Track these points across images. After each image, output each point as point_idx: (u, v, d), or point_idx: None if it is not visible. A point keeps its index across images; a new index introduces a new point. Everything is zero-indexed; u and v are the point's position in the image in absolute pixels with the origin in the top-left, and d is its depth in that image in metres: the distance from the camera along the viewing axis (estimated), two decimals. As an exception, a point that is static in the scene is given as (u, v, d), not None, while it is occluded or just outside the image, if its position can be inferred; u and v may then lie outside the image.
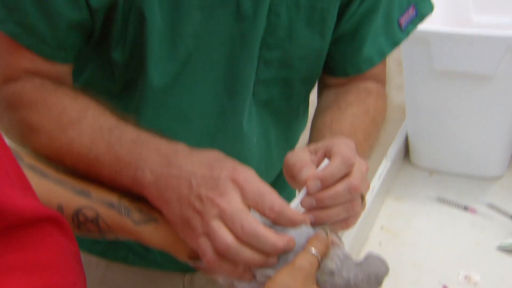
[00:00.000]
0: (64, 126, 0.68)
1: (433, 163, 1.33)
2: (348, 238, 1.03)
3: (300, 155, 0.69)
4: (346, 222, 0.68)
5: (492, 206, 1.19)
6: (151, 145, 0.67)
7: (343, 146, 0.67)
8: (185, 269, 0.93)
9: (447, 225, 1.15)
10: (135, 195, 0.68)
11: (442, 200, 1.21)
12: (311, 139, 0.83)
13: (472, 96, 1.24)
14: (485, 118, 1.26)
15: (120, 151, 0.66)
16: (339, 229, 0.68)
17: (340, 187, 0.65)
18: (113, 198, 0.67)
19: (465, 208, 1.19)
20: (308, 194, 0.65)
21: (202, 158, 0.65)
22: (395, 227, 1.14)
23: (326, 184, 0.64)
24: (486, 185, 1.27)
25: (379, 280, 0.59)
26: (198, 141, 0.78)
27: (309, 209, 0.65)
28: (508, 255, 1.06)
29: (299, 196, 0.66)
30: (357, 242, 1.06)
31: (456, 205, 1.20)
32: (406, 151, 1.37)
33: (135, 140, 0.67)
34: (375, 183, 1.18)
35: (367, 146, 0.83)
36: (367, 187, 0.70)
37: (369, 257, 0.61)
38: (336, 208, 0.65)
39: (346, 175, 0.65)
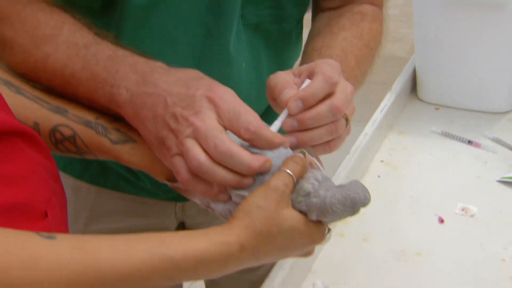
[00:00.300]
0: (39, 41, 0.67)
1: (440, 97, 1.29)
2: (346, 169, 1.02)
3: (283, 76, 0.67)
4: (329, 145, 0.66)
5: (497, 140, 1.16)
6: (128, 62, 0.65)
7: (325, 66, 0.65)
8: (177, 198, 0.93)
9: (449, 159, 1.13)
10: (114, 115, 0.67)
11: (447, 135, 1.19)
12: (301, 64, 0.81)
13: (483, 27, 1.20)
14: (495, 51, 1.21)
15: (96, 67, 0.65)
16: (321, 152, 0.67)
17: (322, 107, 0.63)
18: (90, 117, 0.66)
19: (469, 142, 1.16)
20: (289, 115, 0.63)
21: (179, 76, 0.63)
22: (396, 160, 1.13)
23: (307, 104, 0.62)
24: (493, 120, 1.24)
25: (355, 205, 0.57)
26: (183, 64, 0.77)
27: (291, 131, 0.64)
28: (508, 188, 1.04)
29: (280, 117, 0.64)
30: (355, 174, 1.05)
31: (460, 140, 1.17)
32: (413, 86, 1.34)
33: (112, 56, 0.66)
34: (377, 116, 1.16)
35: (359, 72, 0.80)
36: (352, 110, 0.69)
37: (352, 183, 0.59)
38: (318, 130, 0.63)
39: (328, 95, 0.64)
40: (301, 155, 0.60)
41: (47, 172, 0.61)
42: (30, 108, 0.65)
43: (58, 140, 0.66)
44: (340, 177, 0.99)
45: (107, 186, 0.94)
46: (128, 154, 0.66)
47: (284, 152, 0.61)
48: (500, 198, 1.02)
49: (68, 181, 0.95)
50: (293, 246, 0.58)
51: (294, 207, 0.58)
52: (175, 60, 0.76)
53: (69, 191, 0.96)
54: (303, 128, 0.63)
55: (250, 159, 0.58)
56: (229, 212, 0.61)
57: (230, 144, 0.58)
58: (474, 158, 1.13)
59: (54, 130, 0.65)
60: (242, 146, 0.60)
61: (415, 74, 1.32)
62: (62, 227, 0.62)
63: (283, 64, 0.90)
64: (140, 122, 0.63)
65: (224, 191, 0.61)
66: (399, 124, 1.24)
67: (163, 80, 0.62)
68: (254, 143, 0.60)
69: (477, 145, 1.15)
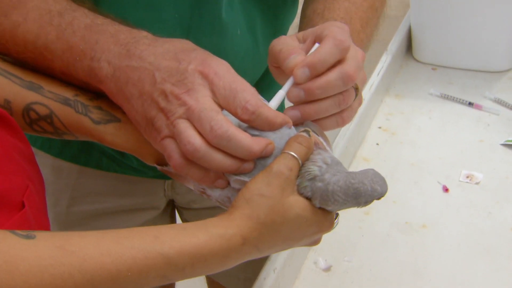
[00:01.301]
0: (5, 8, 0.59)
1: (437, 57, 1.23)
2: (343, 138, 0.96)
3: (288, 41, 0.59)
4: (342, 117, 0.59)
5: (498, 101, 1.11)
6: (109, 31, 0.58)
7: (335, 28, 0.57)
8: (165, 175, 0.87)
9: (449, 122, 1.08)
10: (95, 91, 0.60)
11: (446, 97, 1.13)
12: (301, 29, 0.74)
13: (481, -19, 1.13)
14: (493, 7, 1.14)
15: (73, 38, 0.58)
16: (333, 126, 0.60)
17: (332, 75, 0.55)
18: (68, 94, 0.59)
19: (470, 104, 1.11)
20: (296, 84, 0.56)
21: (168, 47, 0.56)
22: (394, 126, 1.07)
23: (316, 71, 0.55)
24: (493, 79, 1.19)
25: (358, 196, 0.51)
26: (169, 34, 0.69)
27: (297, 103, 0.57)
28: (514, 152, 1.00)
29: (284, 87, 0.57)
30: (352, 143, 0.99)
31: (460, 101, 1.12)
32: (408, 46, 1.28)
33: (90, 25, 0.58)
34: (374, 79, 1.10)
35: (365, 36, 0.73)
36: (364, 79, 0.62)
37: (364, 172, 0.52)
38: (326, 101, 0.57)
39: (338, 62, 0.56)
40: (305, 134, 0.54)
41: (22, 156, 0.54)
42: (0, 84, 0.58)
43: (32, 119, 0.59)
44: (338, 147, 0.93)
45: (89, 165, 0.88)
46: (112, 135, 0.59)
47: (287, 132, 0.54)
48: (505, 163, 0.97)
49: (47, 161, 0.88)
50: (299, 235, 0.53)
51: (299, 192, 0.52)
52: (160, 29, 0.68)
53: (48, 171, 0.90)
54: (310, 99, 0.56)
55: (250, 142, 0.52)
56: (227, 199, 0.55)
57: (228, 126, 0.51)
58: (475, 120, 1.08)
59: (27, 109, 0.58)
60: (239, 127, 0.54)
61: (410, 33, 1.26)
62: (40, 215, 0.57)
63: (279, 29, 0.82)
64: (124, 100, 0.56)
65: (222, 176, 0.55)
66: (395, 87, 1.18)
67: (149, 52, 0.55)
68: (253, 124, 0.53)
69: (478, 107, 1.10)
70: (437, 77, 1.21)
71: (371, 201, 0.51)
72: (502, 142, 1.01)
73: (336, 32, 0.56)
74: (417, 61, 1.25)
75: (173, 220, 1.02)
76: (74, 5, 0.60)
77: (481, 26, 1.17)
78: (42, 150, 0.88)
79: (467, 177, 0.94)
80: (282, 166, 0.51)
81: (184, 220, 1.03)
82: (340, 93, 0.57)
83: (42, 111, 0.58)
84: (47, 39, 0.58)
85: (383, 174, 0.95)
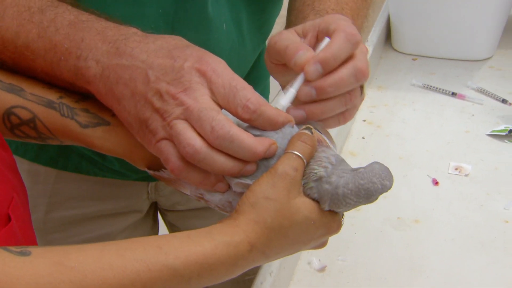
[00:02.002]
0: None
1: (417, 47, 1.22)
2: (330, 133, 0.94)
3: (291, 36, 0.56)
4: (344, 115, 0.56)
5: (481, 90, 1.11)
6: (95, 28, 0.54)
7: (343, 22, 0.54)
8: (149, 177, 0.83)
9: (434, 113, 1.07)
10: (81, 92, 0.56)
11: (428, 87, 1.12)
12: (291, 23, 0.71)
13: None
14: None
15: (56, 36, 0.53)
16: (334, 124, 0.57)
17: (344, 71, 0.52)
18: (52, 96, 0.55)
19: (453, 94, 1.10)
20: (306, 82, 0.53)
21: (160, 44, 0.52)
22: (379, 119, 1.06)
23: (328, 68, 0.52)
24: (474, 68, 1.18)
25: (370, 196, 0.48)
26: (154, 31, 0.66)
27: (307, 101, 0.54)
28: (499, 142, 0.99)
29: (295, 85, 0.53)
30: (338, 137, 0.97)
31: (443, 92, 1.11)
32: (387, 36, 1.26)
33: (74, 22, 0.54)
34: (356, 71, 1.08)
35: (357, 27, 0.71)
36: (368, 75, 0.59)
37: (370, 167, 0.49)
38: (332, 100, 0.54)
39: (349, 57, 0.53)
40: (307, 131, 0.51)
41: (5, 165, 0.50)
42: None
43: (14, 124, 0.55)
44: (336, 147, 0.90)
45: (68, 169, 0.83)
46: (101, 139, 0.55)
47: (289, 132, 0.51)
48: (493, 154, 0.96)
49: (22, 165, 0.83)
50: (307, 239, 0.50)
51: (305, 193, 0.50)
52: (143, 25, 0.64)
53: (24, 176, 0.84)
54: (322, 98, 0.53)
55: (254, 142, 0.49)
56: (228, 204, 0.52)
57: (230, 126, 0.48)
58: (459, 111, 1.07)
59: (8, 113, 0.54)
60: (239, 126, 0.50)
61: (389, 23, 1.24)
62: (26, 227, 0.53)
63: (265, 24, 0.79)
64: (115, 101, 0.52)
65: (222, 180, 0.52)
66: (377, 79, 1.17)
67: (141, 50, 0.51)
68: (254, 124, 0.50)
69: (461, 96, 1.09)
70: (418, 67, 1.20)
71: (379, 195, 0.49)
72: (488, 133, 1.00)
73: (345, 25, 0.53)
74: (397, 51, 1.24)
75: (155, 223, 0.99)
76: (55, 1, 0.56)
77: (460, 15, 1.16)
78: (17, 155, 0.83)
79: (456, 169, 0.93)
80: (287, 166, 0.48)
81: (167, 222, 0.99)
82: (348, 91, 0.54)
83: (24, 115, 0.54)
84: (27, 37, 0.54)
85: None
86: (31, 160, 0.83)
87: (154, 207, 0.96)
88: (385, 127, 1.04)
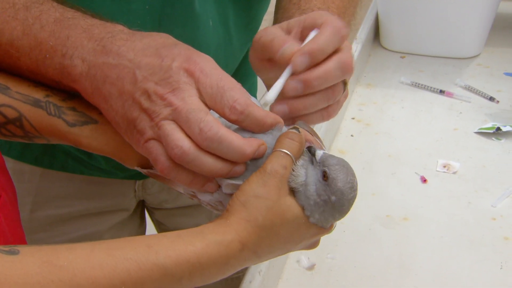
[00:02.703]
0: None
1: (405, 45, 1.22)
2: (318, 131, 0.93)
3: (276, 31, 0.56)
4: (328, 111, 0.56)
5: (469, 88, 1.11)
6: (80, 25, 0.53)
7: (331, 17, 0.54)
8: (136, 175, 0.83)
9: (422, 111, 1.07)
10: (68, 91, 0.55)
11: (417, 85, 1.12)
12: (277, 21, 0.70)
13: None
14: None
15: (41, 33, 0.52)
16: (318, 120, 0.57)
17: (330, 64, 0.52)
18: (38, 94, 0.54)
19: (441, 92, 1.10)
20: (294, 74, 0.52)
21: (147, 42, 0.52)
22: (367, 117, 1.05)
23: (315, 60, 0.52)
24: (462, 66, 1.18)
25: (342, 212, 0.49)
26: (141, 27, 0.64)
27: (294, 95, 0.53)
28: (487, 139, 0.99)
29: (282, 78, 0.53)
30: (327, 135, 0.97)
31: (432, 90, 1.11)
32: (376, 33, 1.26)
33: (60, 19, 0.53)
34: (345, 69, 1.08)
35: None
36: (352, 72, 0.59)
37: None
38: (315, 95, 0.53)
39: (335, 51, 0.53)
40: (295, 130, 0.51)
41: (-6, 164, 0.49)
42: None
43: (0, 123, 0.54)
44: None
45: (53, 167, 0.82)
46: (89, 138, 0.54)
47: (279, 134, 0.51)
48: (480, 151, 0.96)
49: (7, 164, 0.81)
50: (299, 238, 0.50)
51: (294, 194, 0.49)
52: (130, 21, 0.63)
53: (8, 174, 0.84)
54: (308, 91, 0.53)
55: (242, 144, 0.48)
56: (219, 203, 0.52)
57: (218, 127, 0.47)
58: (448, 109, 1.07)
59: None
60: (228, 127, 0.50)
61: (377, 21, 1.24)
62: (15, 226, 0.53)
63: (252, 21, 0.79)
64: (102, 100, 0.51)
65: (212, 180, 0.51)
66: (366, 76, 1.16)
67: (128, 48, 0.50)
68: (242, 125, 0.50)
69: (449, 94, 1.09)
70: (406, 65, 1.20)
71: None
72: (475, 130, 1.01)
73: (332, 19, 0.53)
74: (385, 49, 1.24)
75: (143, 222, 0.98)
76: None
77: (448, 13, 1.16)
78: (1, 153, 0.82)
79: (444, 166, 0.93)
80: (276, 165, 0.48)
81: (155, 220, 0.99)
82: (330, 87, 0.54)
83: (10, 114, 0.53)
84: (12, 35, 0.53)
85: (360, 166, 0.93)
86: (15, 159, 0.82)
87: (142, 206, 0.95)
88: (374, 125, 1.03)
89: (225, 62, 0.76)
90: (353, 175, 0.49)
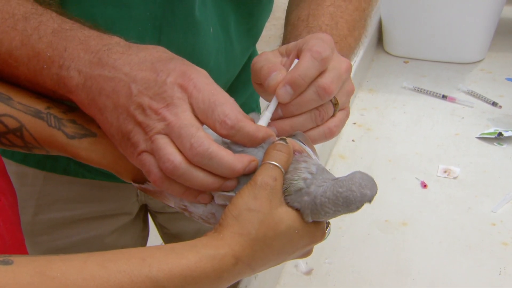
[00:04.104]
0: None
1: (409, 50, 1.22)
2: (319, 135, 0.94)
3: (269, 57, 0.57)
4: (330, 129, 0.56)
5: (472, 93, 1.11)
6: (78, 37, 0.54)
7: (314, 41, 0.55)
8: (138, 180, 0.83)
9: (424, 116, 1.07)
10: (70, 104, 0.56)
11: (419, 90, 1.12)
12: (286, 38, 0.71)
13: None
14: (465, -2, 1.14)
15: (39, 44, 0.54)
16: (320, 139, 0.57)
17: (306, 90, 0.53)
18: (40, 106, 0.55)
19: (444, 97, 1.10)
20: (280, 104, 0.53)
21: (143, 56, 0.52)
22: (369, 122, 1.06)
23: (298, 88, 0.53)
24: (465, 71, 1.18)
25: (349, 204, 0.48)
26: (141, 33, 0.66)
27: (275, 119, 0.55)
28: (489, 145, 0.99)
29: (270, 107, 0.54)
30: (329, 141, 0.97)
31: (434, 95, 1.11)
32: (379, 39, 1.26)
33: (58, 30, 0.54)
34: (347, 74, 1.08)
35: (353, 40, 0.70)
36: (351, 90, 0.59)
37: (351, 175, 0.49)
38: (301, 116, 0.54)
39: (320, 74, 0.54)
40: (282, 142, 0.51)
41: (-7, 168, 0.50)
42: None
43: (0, 132, 0.55)
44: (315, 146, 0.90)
45: (56, 171, 0.83)
46: (87, 150, 0.55)
47: (269, 145, 0.52)
48: (482, 156, 0.96)
49: (10, 167, 0.83)
50: (292, 248, 0.50)
51: (286, 202, 0.49)
52: (131, 28, 0.64)
53: (12, 177, 0.85)
54: (287, 116, 0.54)
55: (233, 160, 0.49)
56: (211, 216, 0.52)
57: (209, 143, 0.48)
58: (450, 114, 1.07)
59: None
60: (224, 142, 0.51)
61: (380, 26, 1.24)
62: (14, 230, 0.53)
63: (253, 27, 0.79)
64: (97, 112, 0.52)
65: (205, 192, 0.52)
66: (368, 81, 1.17)
67: (124, 62, 0.51)
68: (233, 139, 0.50)
69: (452, 99, 1.09)
70: (409, 70, 1.20)
71: (362, 206, 0.49)
72: (477, 135, 1.00)
73: (313, 44, 0.53)
74: (389, 54, 1.24)
75: (146, 225, 0.99)
76: (40, 8, 0.56)
77: (451, 18, 1.16)
78: (5, 157, 0.83)
79: (445, 171, 0.93)
80: (266, 177, 0.48)
81: (158, 224, 0.99)
82: (316, 108, 0.54)
83: (11, 124, 0.54)
84: (11, 45, 0.54)
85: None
86: (19, 162, 0.83)
87: (144, 209, 0.96)
88: (375, 130, 1.04)
89: (226, 68, 0.77)
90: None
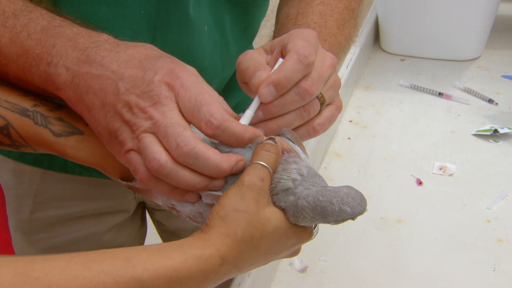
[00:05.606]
0: None
1: (405, 48, 1.22)
2: (315, 133, 0.94)
3: (254, 56, 0.57)
4: (313, 127, 0.57)
5: (468, 90, 1.11)
6: (66, 34, 0.54)
7: (300, 41, 0.55)
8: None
9: (420, 114, 1.07)
10: (57, 102, 0.56)
11: (415, 87, 1.12)
12: (275, 36, 0.71)
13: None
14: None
15: (28, 41, 0.54)
16: (304, 137, 0.58)
17: (288, 92, 0.54)
18: (26, 104, 0.55)
19: (440, 94, 1.10)
20: (262, 104, 0.54)
21: (131, 54, 0.53)
22: (365, 119, 1.06)
23: (281, 90, 0.53)
24: (462, 68, 1.18)
25: (325, 215, 0.47)
26: (135, 32, 0.66)
27: (257, 123, 0.55)
28: (484, 142, 0.99)
29: (251, 106, 0.54)
30: (324, 138, 0.97)
31: (430, 92, 1.11)
32: (375, 37, 1.26)
33: (47, 28, 0.54)
34: (343, 72, 1.08)
35: (343, 38, 0.70)
36: (338, 84, 0.59)
37: (338, 190, 0.47)
38: (287, 115, 0.55)
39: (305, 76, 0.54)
40: (271, 141, 0.51)
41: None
42: None
43: None
44: (310, 143, 0.91)
45: (53, 168, 0.84)
46: (74, 148, 0.55)
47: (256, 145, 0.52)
48: (477, 153, 0.97)
49: (7, 165, 0.84)
50: (279, 249, 0.50)
51: (273, 202, 0.49)
52: (125, 26, 0.65)
53: (9, 176, 0.86)
54: (268, 118, 0.55)
55: (219, 160, 0.49)
56: (199, 215, 0.52)
57: (195, 143, 0.48)
58: (446, 111, 1.07)
59: None
60: (212, 142, 0.51)
61: (377, 24, 1.24)
62: (1, 229, 0.53)
63: (248, 25, 0.80)
64: (85, 109, 0.52)
65: (192, 191, 0.52)
66: (365, 79, 1.17)
67: (111, 59, 0.52)
68: (219, 139, 0.51)
69: (448, 97, 1.10)
70: (406, 67, 1.20)
71: (342, 221, 0.48)
72: (473, 133, 1.01)
73: (299, 46, 0.53)
74: (385, 52, 1.24)
75: (144, 223, 0.99)
76: (30, 6, 0.56)
77: (448, 15, 1.16)
78: (2, 154, 0.83)
79: (440, 169, 0.93)
80: (254, 177, 0.48)
81: (155, 221, 1.00)
82: (303, 106, 0.55)
83: None
84: (0, 42, 0.54)
85: (355, 169, 0.93)
86: (16, 160, 0.84)
87: (142, 207, 0.97)
88: (371, 128, 1.04)
89: (221, 67, 0.77)
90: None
